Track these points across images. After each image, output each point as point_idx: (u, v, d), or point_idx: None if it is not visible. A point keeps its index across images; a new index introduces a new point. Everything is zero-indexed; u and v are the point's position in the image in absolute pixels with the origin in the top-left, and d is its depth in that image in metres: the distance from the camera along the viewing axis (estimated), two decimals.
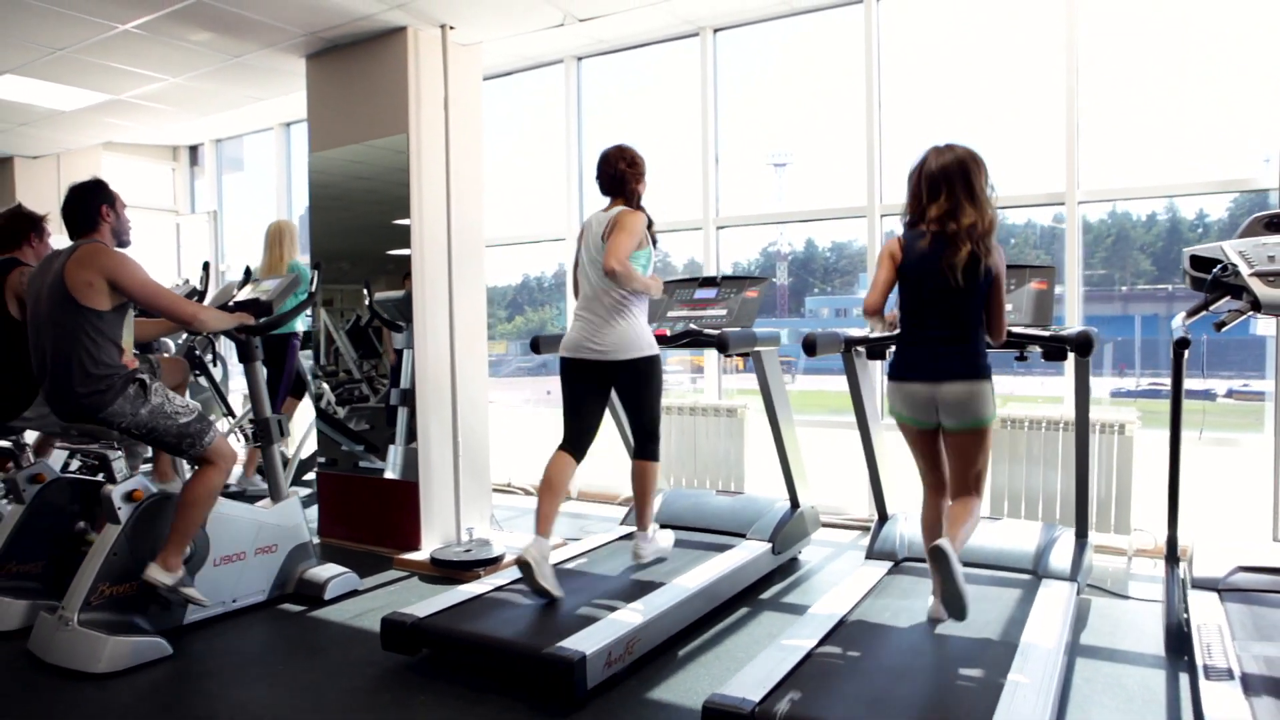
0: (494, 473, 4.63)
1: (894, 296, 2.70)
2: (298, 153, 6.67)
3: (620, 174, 3.20)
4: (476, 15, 4.09)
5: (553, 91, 5.50)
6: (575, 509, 5.15)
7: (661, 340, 3.44)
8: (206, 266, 4.57)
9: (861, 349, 3.32)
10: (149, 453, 4.06)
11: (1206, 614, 2.69)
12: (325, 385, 4.64)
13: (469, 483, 4.30)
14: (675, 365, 6.30)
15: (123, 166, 6.83)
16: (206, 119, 6.16)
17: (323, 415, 4.63)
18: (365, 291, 4.46)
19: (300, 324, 4.96)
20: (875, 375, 3.85)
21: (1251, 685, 2.21)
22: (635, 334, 3.14)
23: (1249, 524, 3.67)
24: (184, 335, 4.56)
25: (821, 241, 5.88)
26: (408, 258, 4.20)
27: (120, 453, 3.66)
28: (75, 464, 4.57)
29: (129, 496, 2.98)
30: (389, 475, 4.35)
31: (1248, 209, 3.79)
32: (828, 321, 6.60)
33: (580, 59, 5.40)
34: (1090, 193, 4.05)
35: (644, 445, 3.33)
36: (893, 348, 2.95)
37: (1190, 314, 2.83)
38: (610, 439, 3.76)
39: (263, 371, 3.61)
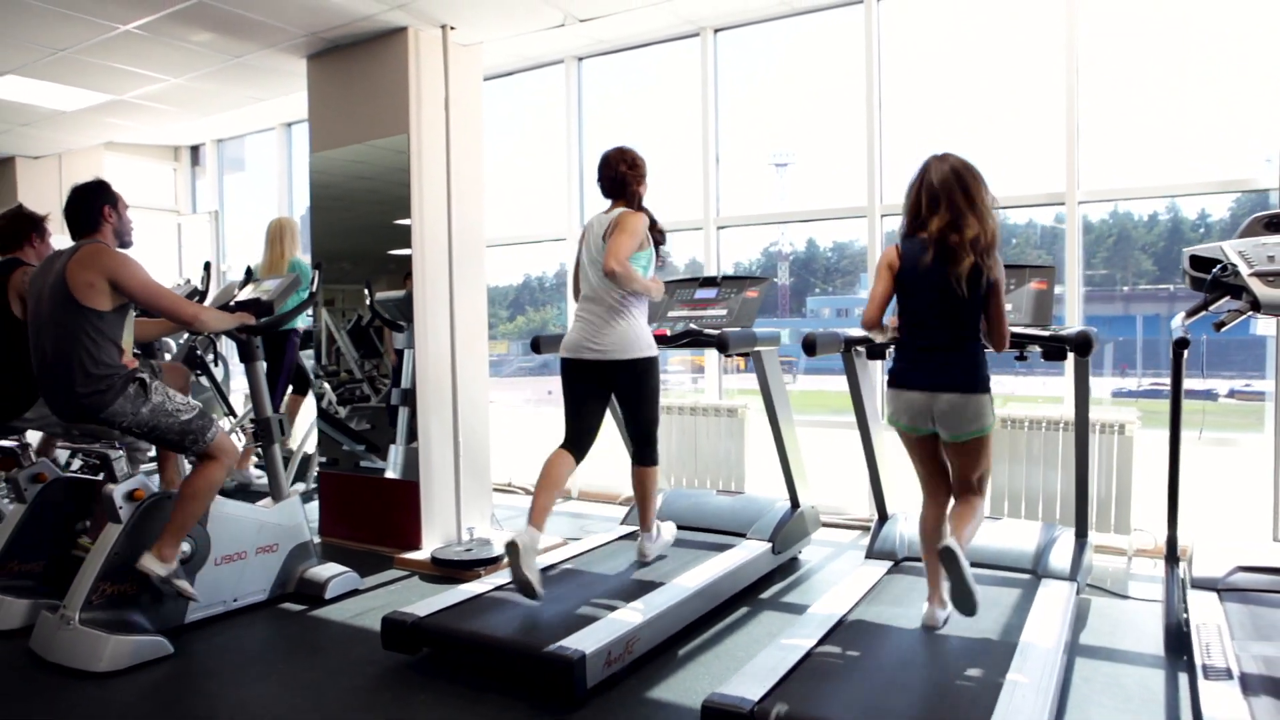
0: (495, 472, 4.64)
1: (893, 303, 2.69)
2: (299, 153, 6.67)
3: (621, 176, 3.20)
4: (477, 16, 4.10)
5: (553, 92, 5.50)
6: (575, 509, 5.16)
7: (661, 340, 3.44)
8: (208, 266, 4.59)
9: (861, 349, 3.34)
10: (151, 452, 4.07)
11: (1206, 614, 2.69)
12: (327, 385, 4.65)
13: (470, 482, 4.30)
14: (676, 365, 6.30)
15: (124, 167, 6.83)
16: (208, 119, 6.17)
17: (324, 415, 4.64)
18: (366, 291, 4.46)
19: (301, 321, 4.96)
20: (875, 375, 3.85)
21: (1250, 685, 2.21)
22: (635, 335, 3.15)
23: (1249, 524, 3.68)
24: (185, 335, 4.58)
25: (823, 241, 5.89)
26: (409, 258, 4.20)
27: (121, 452, 3.67)
28: (76, 464, 4.59)
29: (130, 496, 2.99)
30: (390, 475, 4.36)
31: (1249, 209, 3.79)
32: (829, 321, 6.61)
33: (581, 59, 5.40)
34: (1090, 193, 4.05)
35: (642, 451, 3.33)
36: (893, 348, 2.95)
37: (1190, 314, 2.82)
38: (610, 439, 3.76)
39: (264, 370, 3.62)
